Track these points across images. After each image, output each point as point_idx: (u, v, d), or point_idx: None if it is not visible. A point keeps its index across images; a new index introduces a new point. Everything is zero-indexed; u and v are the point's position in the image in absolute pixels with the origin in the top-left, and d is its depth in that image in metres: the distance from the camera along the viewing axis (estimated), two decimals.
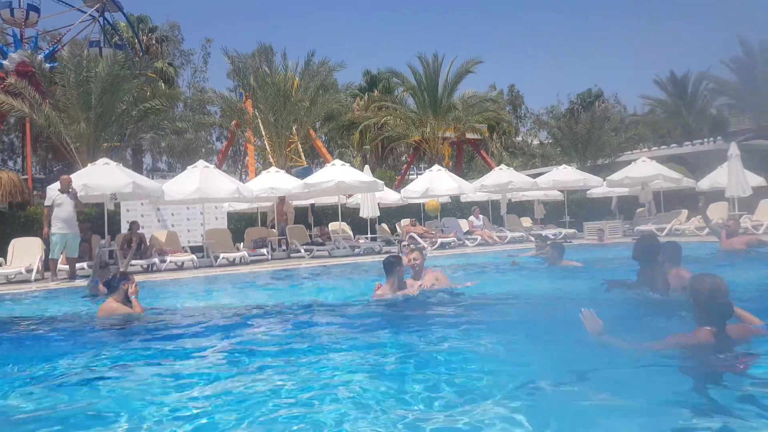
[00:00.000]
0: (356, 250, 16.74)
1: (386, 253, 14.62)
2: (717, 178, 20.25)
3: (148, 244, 14.84)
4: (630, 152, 34.19)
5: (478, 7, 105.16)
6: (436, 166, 21.66)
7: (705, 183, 21.14)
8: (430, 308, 6.32)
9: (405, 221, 21.25)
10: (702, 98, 41.88)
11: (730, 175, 18.25)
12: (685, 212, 20.00)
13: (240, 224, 20.31)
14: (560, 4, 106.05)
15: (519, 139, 60.41)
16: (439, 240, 18.16)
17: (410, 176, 37.95)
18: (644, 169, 20.34)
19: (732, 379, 3.22)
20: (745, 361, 3.30)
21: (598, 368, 3.62)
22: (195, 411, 3.26)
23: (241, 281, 11.26)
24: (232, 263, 15.12)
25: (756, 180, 19.70)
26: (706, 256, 10.37)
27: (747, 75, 31.83)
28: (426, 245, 17.77)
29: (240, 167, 45.35)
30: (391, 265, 6.72)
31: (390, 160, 46.89)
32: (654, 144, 39.84)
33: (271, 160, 26.30)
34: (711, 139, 35.03)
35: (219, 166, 27.98)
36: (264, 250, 16.23)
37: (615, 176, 21.15)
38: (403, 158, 47.95)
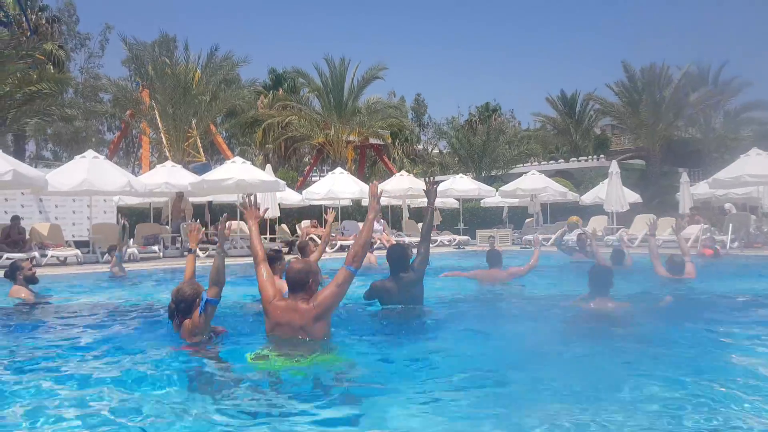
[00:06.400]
0: None
1: (287, 254, 14.54)
2: (599, 193, 21.77)
3: (27, 237, 13.93)
4: (522, 165, 35.94)
5: (386, 14, 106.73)
6: (338, 169, 21.83)
7: (588, 197, 22.79)
8: None
9: (306, 222, 21.21)
10: (588, 118, 44.68)
11: (610, 191, 19.67)
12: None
13: (131, 219, 19.43)
14: (468, 19, 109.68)
15: (420, 147, 61.79)
16: (339, 242, 18.31)
17: (312, 178, 37.79)
18: (534, 182, 21.64)
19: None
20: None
21: None
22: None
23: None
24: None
25: (633, 196, 21.48)
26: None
27: (629, 99, 34.30)
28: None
29: (133, 160, 43.32)
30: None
31: (293, 160, 46.33)
32: (544, 158, 42.11)
33: (168, 154, 25.36)
34: (595, 156, 37.66)
35: (110, 158, 26.57)
36: (155, 248, 15.67)
37: (507, 187, 22.28)
38: (306, 159, 47.60)
